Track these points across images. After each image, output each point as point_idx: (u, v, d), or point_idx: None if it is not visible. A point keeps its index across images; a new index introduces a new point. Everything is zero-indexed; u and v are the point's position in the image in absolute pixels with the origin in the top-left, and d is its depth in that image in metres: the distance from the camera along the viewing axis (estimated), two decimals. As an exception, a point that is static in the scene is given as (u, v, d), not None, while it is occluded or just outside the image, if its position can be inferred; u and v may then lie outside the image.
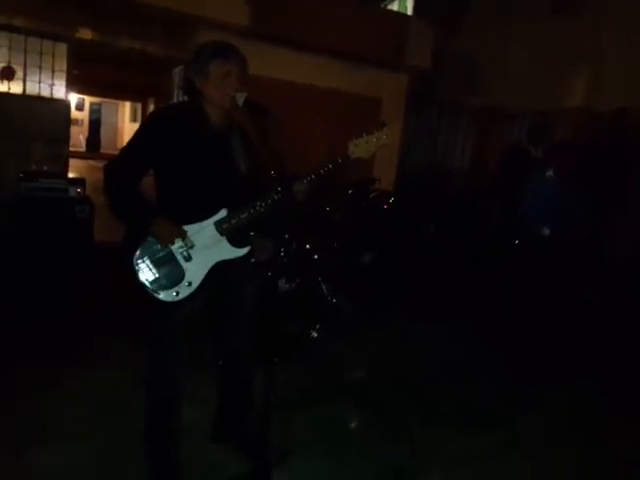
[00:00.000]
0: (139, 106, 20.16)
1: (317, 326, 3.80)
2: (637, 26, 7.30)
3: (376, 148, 2.18)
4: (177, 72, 7.36)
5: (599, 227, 5.76)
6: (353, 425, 2.96)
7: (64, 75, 7.10)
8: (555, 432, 3.15)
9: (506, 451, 2.86)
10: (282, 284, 3.71)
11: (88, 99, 20.84)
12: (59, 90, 7.12)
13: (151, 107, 17.39)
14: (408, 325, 4.57)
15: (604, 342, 4.53)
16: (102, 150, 19.83)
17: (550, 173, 4.66)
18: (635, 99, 6.54)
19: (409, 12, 11.41)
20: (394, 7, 11.86)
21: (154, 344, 2.27)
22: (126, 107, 22.46)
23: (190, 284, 2.14)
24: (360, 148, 2.16)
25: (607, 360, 4.16)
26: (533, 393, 3.56)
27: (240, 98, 2.12)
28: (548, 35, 8.13)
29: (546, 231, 4.41)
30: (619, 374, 3.95)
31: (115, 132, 22.55)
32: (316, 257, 4.09)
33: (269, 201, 2.15)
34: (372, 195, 5.12)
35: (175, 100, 7.35)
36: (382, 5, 11.37)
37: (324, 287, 4.00)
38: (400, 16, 9.98)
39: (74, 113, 16.17)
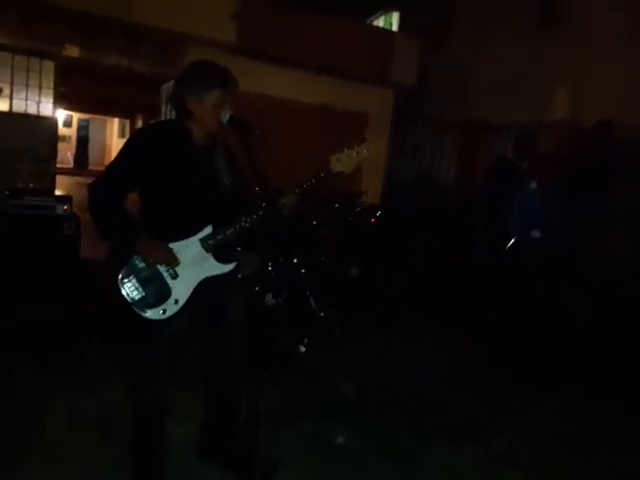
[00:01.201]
0: (127, 122, 20.17)
1: (305, 340, 3.81)
2: (620, 40, 7.46)
3: (357, 162, 2.22)
4: (165, 88, 7.40)
5: (584, 238, 5.84)
6: (342, 439, 2.95)
7: (51, 92, 7.11)
8: (543, 442, 3.16)
9: (494, 462, 2.86)
10: (269, 298, 3.71)
11: (76, 115, 20.84)
12: (46, 107, 7.13)
13: (139, 123, 17.41)
14: (396, 337, 4.58)
15: (589, 351, 4.58)
16: (90, 166, 19.81)
17: (534, 185, 4.74)
18: (618, 112, 6.66)
19: (394, 28, 11.60)
20: (380, 23, 12.06)
21: (141, 360, 2.28)
22: (114, 123, 22.46)
23: (177, 302, 2.14)
24: (342, 162, 2.20)
25: (592, 369, 4.20)
26: (520, 403, 3.57)
27: (225, 115, 2.16)
28: (532, 49, 8.29)
29: (536, 234, 4.46)
30: (604, 383, 3.98)
31: (103, 148, 22.52)
32: (303, 271, 4.10)
33: (254, 217, 2.17)
34: (359, 209, 5.15)
35: (163, 116, 7.38)
36: (368, 21, 11.55)
37: (312, 301, 4.01)
38: (386, 32, 10.14)
39: (62, 130, 16.18)
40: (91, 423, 2.83)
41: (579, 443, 3.18)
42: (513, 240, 4.56)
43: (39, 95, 7.05)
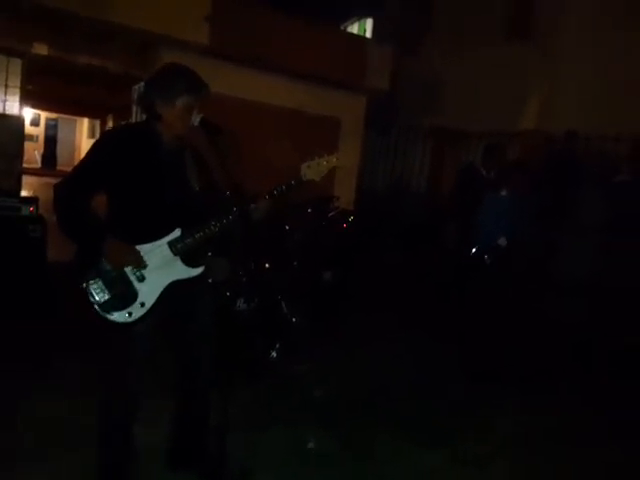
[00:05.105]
0: (97, 123, 19.83)
1: (277, 345, 3.78)
2: (587, 51, 7.67)
3: (327, 170, 2.26)
4: (137, 89, 7.30)
5: (552, 245, 5.98)
6: (315, 444, 2.94)
7: (18, 91, 6.95)
8: (513, 444, 3.20)
9: (467, 464, 2.90)
10: (240, 304, 3.68)
11: (44, 115, 20.41)
12: (12, 106, 6.97)
13: (110, 124, 17.13)
14: (368, 342, 4.60)
15: (562, 355, 4.68)
16: (59, 167, 19.38)
17: (504, 193, 4.81)
18: (586, 122, 6.85)
19: (368, 35, 11.69)
20: (354, 30, 12.13)
21: (109, 364, 2.23)
22: (84, 123, 22.07)
23: (143, 305, 2.11)
24: (312, 170, 2.24)
25: (562, 371, 4.30)
26: (491, 407, 3.63)
27: (196, 118, 2.14)
28: (503, 59, 8.47)
29: (503, 242, 4.52)
30: (574, 385, 4.07)
31: (73, 148, 22.10)
32: (275, 276, 4.08)
33: (224, 221, 2.16)
34: (331, 214, 5.15)
35: (134, 117, 7.28)
36: (342, 27, 11.61)
37: (284, 306, 3.99)
38: (359, 39, 10.22)
39: (29, 129, 15.80)
40: (57, 426, 2.76)
41: (547, 446, 3.23)
42: (478, 247, 4.61)
43: (5, 93, 6.88)
